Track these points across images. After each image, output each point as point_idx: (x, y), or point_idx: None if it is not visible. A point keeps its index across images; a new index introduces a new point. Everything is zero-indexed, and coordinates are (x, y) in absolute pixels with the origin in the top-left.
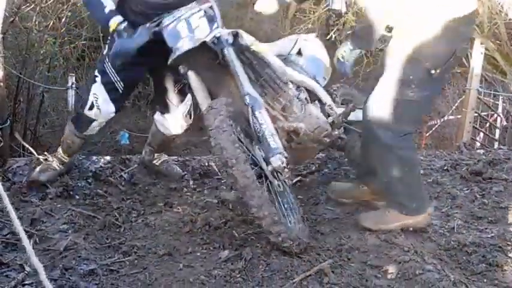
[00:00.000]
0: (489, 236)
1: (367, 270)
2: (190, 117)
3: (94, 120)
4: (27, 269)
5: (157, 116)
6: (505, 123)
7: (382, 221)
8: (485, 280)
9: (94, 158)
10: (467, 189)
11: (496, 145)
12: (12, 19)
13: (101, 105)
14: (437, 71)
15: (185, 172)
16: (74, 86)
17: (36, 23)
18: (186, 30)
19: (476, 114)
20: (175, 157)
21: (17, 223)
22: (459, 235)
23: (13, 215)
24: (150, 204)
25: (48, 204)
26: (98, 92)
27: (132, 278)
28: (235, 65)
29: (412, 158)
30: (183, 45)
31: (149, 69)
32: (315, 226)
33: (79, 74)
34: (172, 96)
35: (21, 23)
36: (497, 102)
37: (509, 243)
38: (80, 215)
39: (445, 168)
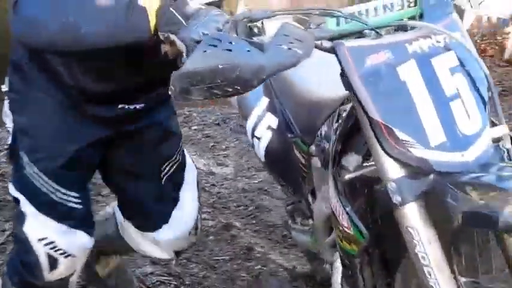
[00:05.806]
0: (256, 181)
1: None
2: (196, 233)
3: (70, 275)
4: None
5: (133, 231)
6: None
7: None
8: (254, 221)
9: None
10: (236, 141)
11: None
12: None
13: (64, 247)
14: None
15: None
16: None
17: None
18: None
19: None
20: None
21: None
22: (233, 182)
23: None
24: None
25: None
26: (42, 230)
27: None
28: None
29: None
30: None
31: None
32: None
33: None
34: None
35: None
36: None
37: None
38: None
39: (217, 122)
